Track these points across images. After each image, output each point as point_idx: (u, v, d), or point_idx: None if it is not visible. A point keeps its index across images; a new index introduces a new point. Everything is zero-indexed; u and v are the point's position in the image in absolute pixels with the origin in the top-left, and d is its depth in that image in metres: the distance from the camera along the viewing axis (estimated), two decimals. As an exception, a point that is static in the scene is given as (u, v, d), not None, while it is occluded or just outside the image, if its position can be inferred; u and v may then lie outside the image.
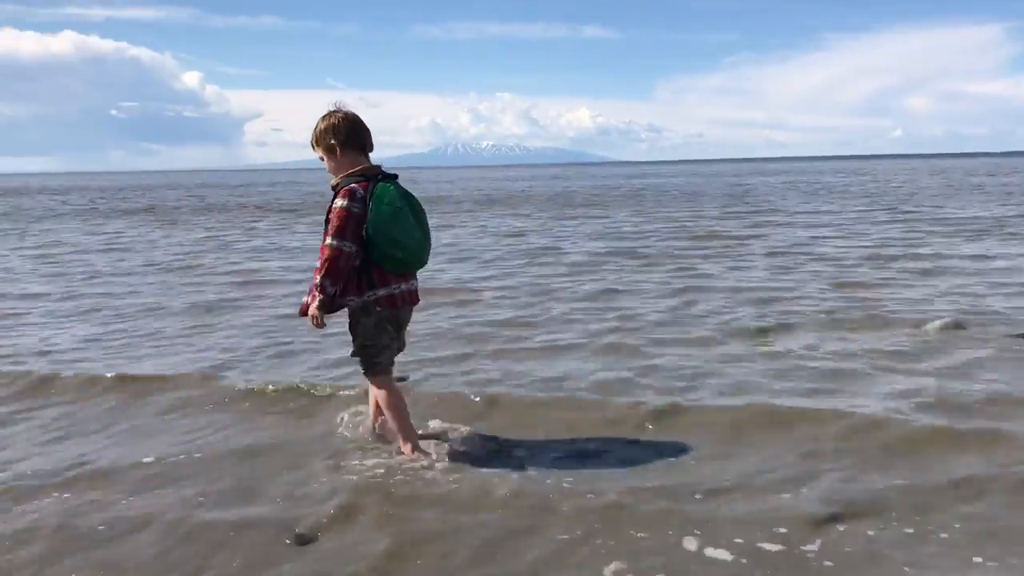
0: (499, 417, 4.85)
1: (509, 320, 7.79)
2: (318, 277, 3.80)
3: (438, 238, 15.45)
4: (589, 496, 3.69)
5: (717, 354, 6.28)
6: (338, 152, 3.92)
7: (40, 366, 6.37)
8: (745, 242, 14.58)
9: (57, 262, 13.91)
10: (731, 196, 32.42)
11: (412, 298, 4.08)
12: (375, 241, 3.81)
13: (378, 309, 3.94)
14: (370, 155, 4.02)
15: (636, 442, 4.45)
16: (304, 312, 3.92)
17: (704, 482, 3.85)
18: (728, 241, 14.82)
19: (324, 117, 3.97)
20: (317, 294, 3.81)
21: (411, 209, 3.93)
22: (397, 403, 4.13)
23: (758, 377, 5.61)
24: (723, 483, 3.84)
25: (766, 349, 6.43)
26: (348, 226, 3.77)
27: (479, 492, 3.75)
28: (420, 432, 4.31)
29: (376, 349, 4.03)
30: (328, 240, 3.80)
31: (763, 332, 7.01)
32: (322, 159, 3.99)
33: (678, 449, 4.30)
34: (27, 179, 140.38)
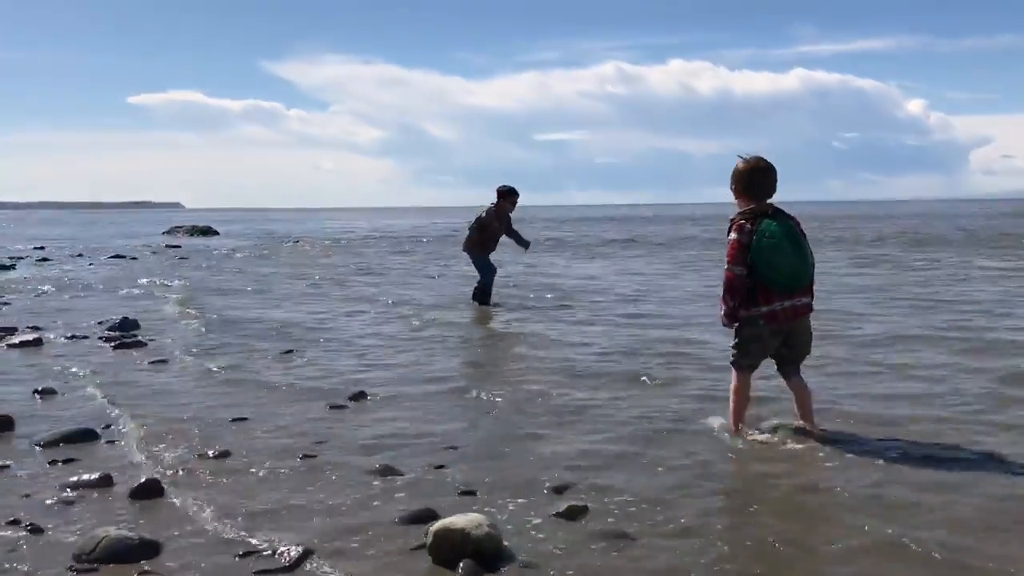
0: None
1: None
2: (722, 293, 4.86)
3: None
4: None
5: None
6: (737, 194, 4.90)
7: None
8: None
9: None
10: None
11: (796, 312, 4.86)
12: (757, 266, 4.74)
13: (761, 323, 4.83)
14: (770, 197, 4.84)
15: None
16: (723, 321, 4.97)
17: None
18: None
19: (739, 161, 4.90)
20: (722, 305, 4.88)
21: (790, 240, 4.75)
22: (740, 396, 5.02)
23: None
24: None
25: None
26: (739, 254, 4.75)
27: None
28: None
29: (744, 352, 4.95)
30: (727, 266, 4.83)
31: None
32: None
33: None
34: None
